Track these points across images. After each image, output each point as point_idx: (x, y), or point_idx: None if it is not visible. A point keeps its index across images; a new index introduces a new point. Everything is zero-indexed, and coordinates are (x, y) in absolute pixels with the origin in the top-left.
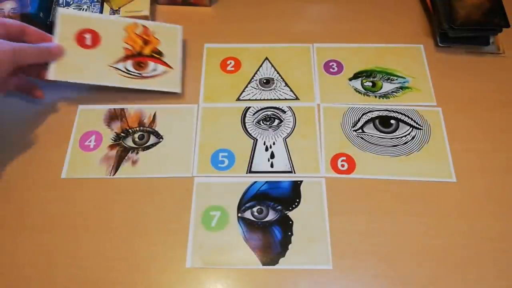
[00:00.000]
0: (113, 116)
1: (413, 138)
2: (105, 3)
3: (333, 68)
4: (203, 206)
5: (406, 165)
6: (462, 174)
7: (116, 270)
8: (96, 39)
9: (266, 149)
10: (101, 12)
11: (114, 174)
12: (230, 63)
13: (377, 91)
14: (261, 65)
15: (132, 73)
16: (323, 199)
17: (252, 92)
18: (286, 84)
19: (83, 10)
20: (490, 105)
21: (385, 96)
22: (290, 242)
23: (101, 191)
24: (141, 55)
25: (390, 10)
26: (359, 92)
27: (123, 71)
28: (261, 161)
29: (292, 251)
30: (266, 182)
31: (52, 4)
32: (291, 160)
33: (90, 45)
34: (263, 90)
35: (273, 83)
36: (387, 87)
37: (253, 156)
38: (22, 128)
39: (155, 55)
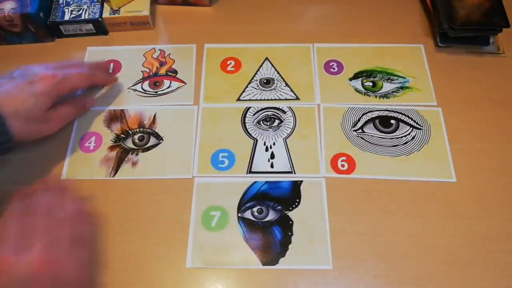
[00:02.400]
0: (113, 117)
1: (413, 138)
2: (105, 3)
3: (334, 68)
4: (203, 206)
5: (406, 165)
6: (462, 174)
7: (116, 270)
8: (117, 67)
9: (266, 150)
10: (101, 11)
11: (114, 176)
12: (230, 63)
13: (378, 91)
14: (261, 65)
15: (148, 92)
16: (323, 199)
17: (253, 92)
18: (287, 84)
19: (83, 10)
20: (490, 105)
21: (386, 96)
22: (290, 242)
23: (101, 192)
24: (157, 75)
25: (390, 10)
26: (360, 92)
27: (140, 91)
28: (261, 162)
29: (292, 251)
30: (266, 182)
31: (52, 4)
32: (291, 160)
33: (112, 72)
34: (263, 90)
35: (274, 83)
36: (387, 87)
37: (253, 157)
38: None
39: (170, 73)
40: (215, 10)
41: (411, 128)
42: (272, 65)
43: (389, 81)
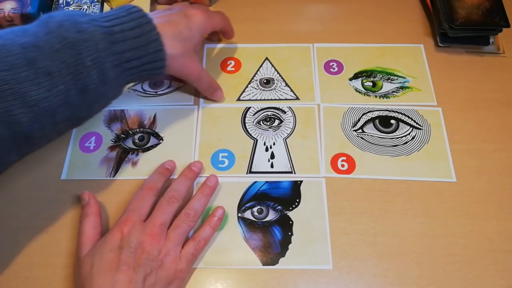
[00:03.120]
0: (113, 118)
1: (413, 138)
2: (105, 3)
3: (334, 68)
4: None
5: (406, 165)
6: (462, 174)
7: None
8: None
9: (266, 150)
10: (101, 11)
11: (114, 176)
12: (230, 63)
13: (378, 91)
14: (261, 65)
15: (148, 92)
16: (323, 199)
17: (253, 93)
18: (287, 84)
19: (83, 10)
20: (490, 105)
21: (386, 96)
22: (290, 242)
23: (101, 192)
24: None
25: (390, 10)
26: (360, 92)
27: (140, 91)
28: (261, 162)
29: (292, 251)
30: (266, 182)
31: (52, 4)
32: (291, 161)
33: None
34: (263, 90)
35: (273, 83)
36: (387, 87)
37: (253, 157)
38: None
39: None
40: (215, 10)
41: (411, 128)
42: (272, 65)
43: (389, 81)
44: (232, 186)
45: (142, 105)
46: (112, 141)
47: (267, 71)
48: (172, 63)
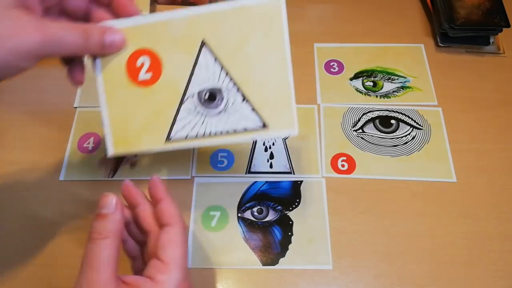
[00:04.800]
0: None
1: (413, 138)
2: None
3: (334, 68)
4: (203, 206)
5: (407, 165)
6: (463, 174)
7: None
8: None
9: (266, 150)
10: None
11: (113, 176)
12: (142, 64)
13: (378, 90)
14: (196, 60)
15: None
16: (323, 199)
17: (190, 123)
18: (244, 98)
19: None
20: (490, 105)
21: (386, 96)
22: (290, 242)
23: (100, 193)
24: None
25: (391, 10)
26: (360, 92)
27: None
28: (260, 162)
29: (292, 251)
30: (266, 182)
31: None
32: (290, 161)
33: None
34: (207, 116)
35: (221, 97)
36: (388, 86)
37: (252, 157)
38: (20, 130)
39: None
40: None
41: (411, 128)
42: (216, 57)
43: (389, 80)
44: (232, 186)
45: None
46: None
47: (208, 72)
48: None
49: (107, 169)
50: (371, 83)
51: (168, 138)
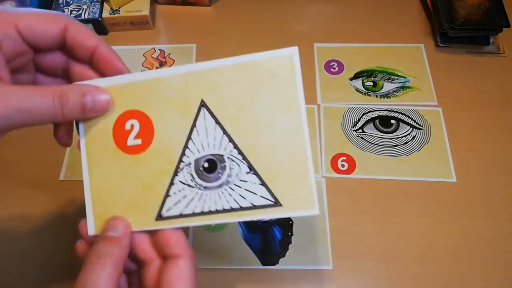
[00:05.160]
0: None
1: (413, 138)
2: (105, 3)
3: (334, 68)
4: None
5: (406, 165)
6: (463, 174)
7: None
8: None
9: None
10: (100, 11)
11: None
12: (132, 126)
13: (378, 90)
14: (194, 124)
15: None
16: (323, 199)
17: (185, 197)
18: (251, 168)
19: (83, 9)
20: (490, 105)
21: (386, 95)
22: (290, 242)
23: None
24: None
25: (391, 10)
26: (360, 92)
27: None
28: None
29: (292, 251)
30: None
31: (52, 4)
32: None
33: None
34: (205, 189)
35: (223, 166)
36: (388, 86)
37: None
38: (20, 130)
39: None
40: (215, 10)
41: (411, 128)
42: (217, 121)
43: (389, 80)
44: None
45: None
46: None
47: (207, 137)
48: None
49: None
50: (371, 83)
51: (158, 216)
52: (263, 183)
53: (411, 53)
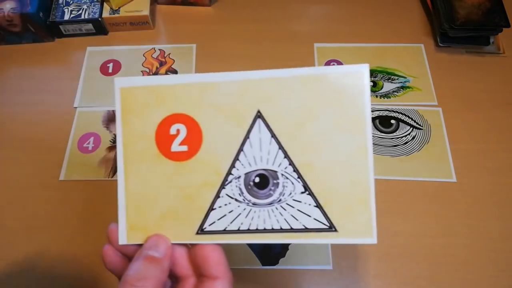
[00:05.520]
0: (112, 118)
1: (413, 138)
2: (105, 3)
3: None
4: None
5: (406, 165)
6: (463, 174)
7: None
8: (117, 67)
9: None
10: (100, 11)
11: (112, 176)
12: (178, 131)
13: (378, 90)
14: (247, 134)
15: None
16: None
17: (231, 212)
18: (306, 188)
19: (83, 10)
20: (490, 104)
21: (386, 95)
22: (290, 242)
23: (100, 193)
24: (157, 75)
25: (391, 10)
26: None
27: None
28: None
29: (292, 251)
30: None
31: (52, 4)
32: None
33: (111, 72)
34: (254, 205)
35: (276, 182)
36: (388, 86)
37: None
38: (21, 130)
39: (170, 73)
40: (215, 10)
41: (411, 128)
42: (273, 135)
43: (389, 80)
44: None
45: None
46: (111, 141)
47: (260, 150)
48: None
49: (107, 169)
50: (371, 83)
51: (200, 229)
52: (319, 205)
53: (411, 53)
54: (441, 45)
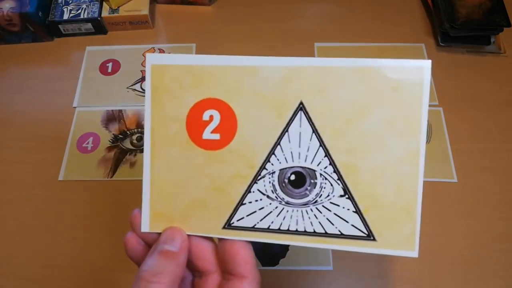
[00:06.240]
0: (111, 118)
1: None
2: (104, 2)
3: None
4: None
5: None
6: (463, 174)
7: (114, 271)
8: (116, 66)
9: None
10: (100, 11)
11: (112, 176)
12: (211, 117)
13: None
14: (286, 128)
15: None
16: None
17: (262, 209)
18: (346, 191)
19: (82, 9)
20: (491, 104)
21: None
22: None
23: (99, 193)
24: None
25: (391, 9)
26: None
27: (139, 91)
28: None
29: (292, 252)
30: None
31: (51, 3)
32: None
33: (111, 72)
34: (286, 204)
35: (315, 182)
36: None
37: None
38: (20, 130)
39: None
40: (214, 9)
41: None
42: (315, 130)
43: None
44: None
45: (140, 105)
46: (110, 141)
47: (299, 146)
48: None
49: (107, 169)
50: None
51: (227, 224)
52: (358, 211)
53: (411, 52)
54: (441, 44)
